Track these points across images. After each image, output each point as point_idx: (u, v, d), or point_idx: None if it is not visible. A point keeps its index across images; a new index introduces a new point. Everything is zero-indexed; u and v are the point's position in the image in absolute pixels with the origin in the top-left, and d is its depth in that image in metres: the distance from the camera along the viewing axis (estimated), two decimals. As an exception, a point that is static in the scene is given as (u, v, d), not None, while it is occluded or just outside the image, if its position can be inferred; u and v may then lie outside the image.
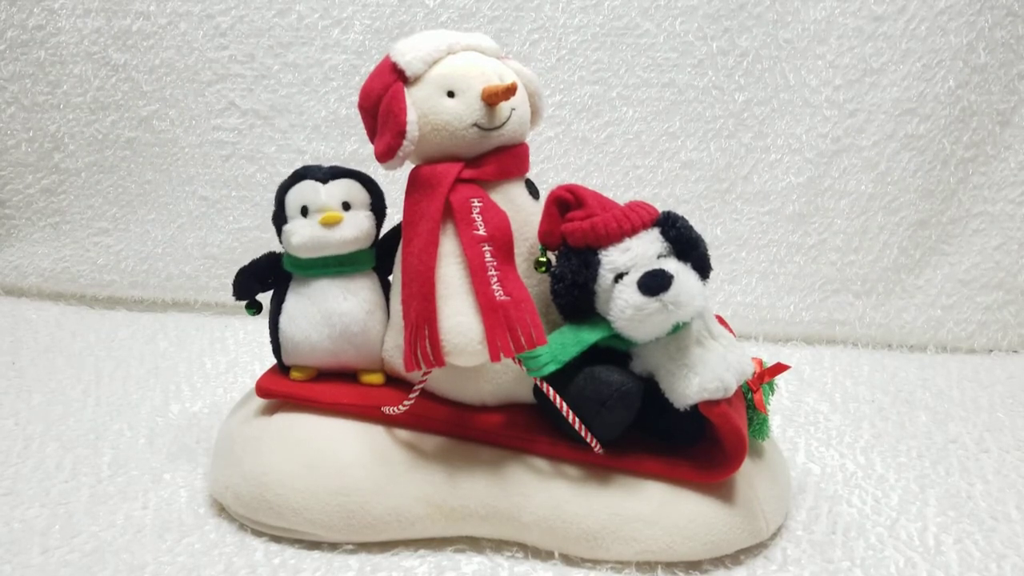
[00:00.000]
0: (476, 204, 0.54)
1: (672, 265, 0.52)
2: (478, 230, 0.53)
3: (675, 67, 1.02)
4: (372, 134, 0.59)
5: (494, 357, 0.51)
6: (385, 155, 0.56)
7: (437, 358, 0.51)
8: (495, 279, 0.52)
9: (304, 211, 0.60)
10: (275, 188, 0.63)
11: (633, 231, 0.54)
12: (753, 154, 1.04)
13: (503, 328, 0.51)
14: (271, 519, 0.58)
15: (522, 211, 0.58)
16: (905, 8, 0.98)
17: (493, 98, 0.54)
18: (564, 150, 1.05)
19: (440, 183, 0.54)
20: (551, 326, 0.56)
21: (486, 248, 0.53)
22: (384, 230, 0.65)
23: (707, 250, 0.55)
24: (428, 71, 0.56)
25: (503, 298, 0.51)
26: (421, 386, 0.56)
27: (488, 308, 0.51)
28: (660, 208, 0.57)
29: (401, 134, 0.55)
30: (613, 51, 1.03)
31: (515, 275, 0.54)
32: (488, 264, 0.52)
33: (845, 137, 1.01)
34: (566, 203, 0.55)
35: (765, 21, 1.01)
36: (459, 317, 0.52)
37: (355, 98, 0.59)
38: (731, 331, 0.60)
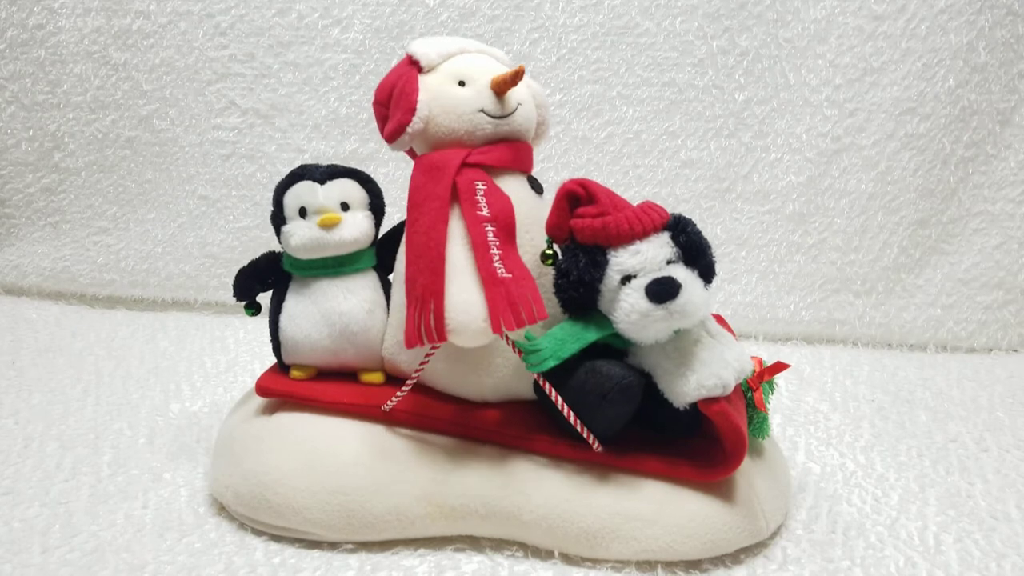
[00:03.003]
0: (481, 186, 0.55)
1: (680, 273, 0.52)
2: (482, 210, 0.54)
3: (675, 66, 1.02)
4: (383, 122, 0.60)
5: (495, 329, 0.51)
6: (395, 133, 0.57)
7: (440, 333, 0.51)
8: (497, 257, 0.53)
9: (302, 212, 0.60)
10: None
11: (644, 234, 0.53)
12: (753, 153, 1.04)
13: (504, 302, 0.51)
14: (271, 518, 0.58)
15: (524, 204, 0.58)
16: (905, 7, 0.98)
17: (502, 86, 0.57)
18: (564, 149, 1.05)
19: (447, 166, 0.56)
20: (550, 323, 0.56)
21: (489, 228, 0.53)
22: (383, 229, 0.65)
23: (713, 256, 0.55)
24: (442, 63, 0.59)
25: (505, 275, 0.52)
26: (416, 376, 0.57)
27: (490, 283, 0.52)
28: (665, 209, 0.57)
29: (411, 110, 0.56)
30: (613, 50, 1.03)
31: (517, 255, 0.54)
32: (491, 243, 0.53)
33: (845, 136, 1.01)
34: (577, 197, 0.55)
35: (765, 20, 1.01)
36: (464, 295, 0.52)
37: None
38: (731, 331, 0.60)
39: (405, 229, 0.56)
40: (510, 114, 0.58)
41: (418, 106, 0.57)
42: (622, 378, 0.53)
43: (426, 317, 0.52)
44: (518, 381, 0.58)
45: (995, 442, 0.75)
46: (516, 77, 0.56)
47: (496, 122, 0.58)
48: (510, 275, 0.52)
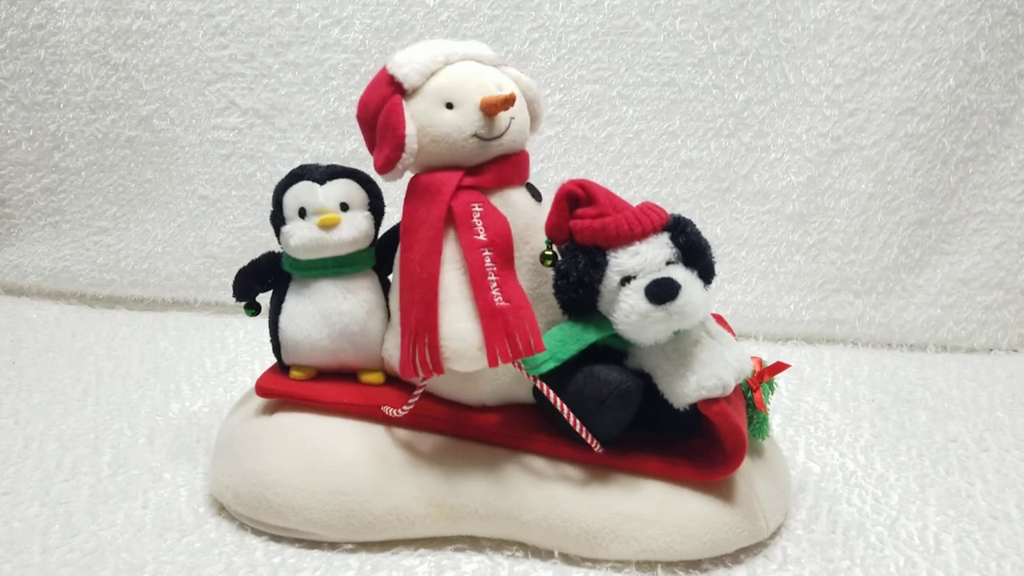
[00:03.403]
0: (477, 209, 0.54)
1: (680, 274, 0.52)
2: (479, 235, 0.53)
3: (675, 66, 1.02)
4: (371, 145, 0.58)
5: (492, 363, 0.51)
6: (385, 168, 0.56)
7: (436, 366, 0.51)
8: (495, 284, 0.52)
9: (302, 213, 0.60)
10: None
11: (644, 235, 0.53)
12: (753, 153, 1.03)
13: (502, 334, 0.51)
14: (271, 518, 0.58)
15: (524, 215, 0.58)
16: (905, 7, 0.98)
17: (492, 109, 0.54)
18: (564, 149, 1.05)
19: (441, 191, 0.54)
20: (550, 326, 0.56)
21: (486, 253, 0.53)
22: (383, 229, 0.65)
23: (713, 257, 0.55)
24: (426, 83, 0.56)
25: (502, 304, 0.51)
26: (422, 389, 0.56)
27: (487, 313, 0.51)
28: (665, 210, 0.56)
29: (400, 147, 0.55)
30: (613, 50, 1.03)
31: (515, 281, 0.54)
32: (488, 269, 0.52)
33: (845, 136, 1.01)
34: (576, 198, 0.55)
35: (765, 20, 1.01)
36: (458, 323, 0.52)
37: (355, 97, 0.59)
38: (731, 331, 0.60)
39: (399, 249, 0.56)
40: (503, 133, 0.56)
41: (406, 140, 0.54)
42: (620, 383, 0.53)
43: (421, 351, 0.52)
44: (517, 387, 0.58)
45: (995, 442, 0.75)
46: (507, 103, 0.54)
47: (490, 144, 0.56)
48: (507, 304, 0.51)
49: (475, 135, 0.55)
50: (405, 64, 0.56)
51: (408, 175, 0.59)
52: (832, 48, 1.00)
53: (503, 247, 0.53)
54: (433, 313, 0.52)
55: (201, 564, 0.55)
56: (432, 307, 0.52)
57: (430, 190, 0.55)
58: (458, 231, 0.54)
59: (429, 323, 0.51)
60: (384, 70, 0.57)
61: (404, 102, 0.55)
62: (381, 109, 0.56)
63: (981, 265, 1.02)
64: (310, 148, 1.07)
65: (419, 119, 0.55)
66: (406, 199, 0.56)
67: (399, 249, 0.56)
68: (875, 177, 1.01)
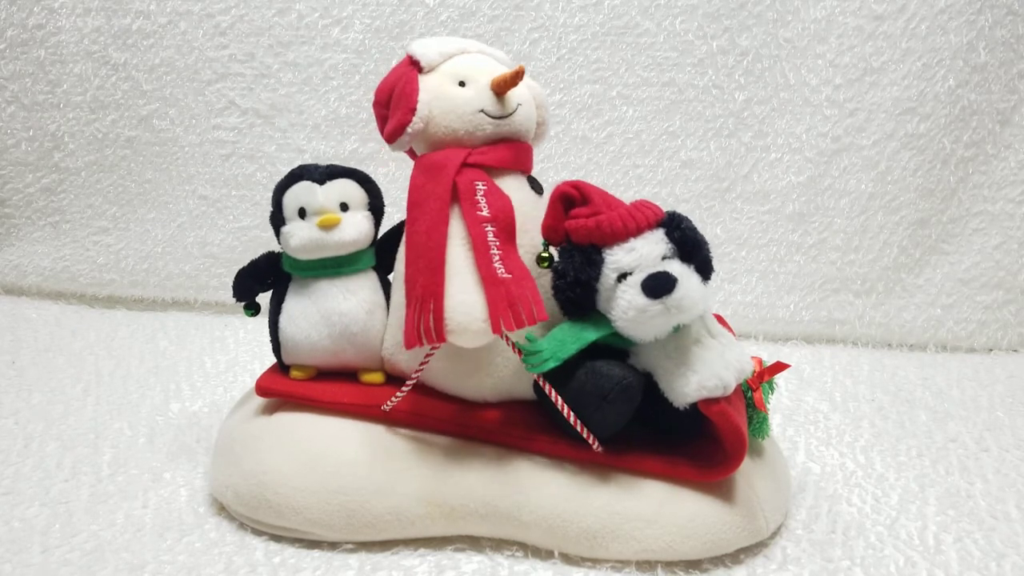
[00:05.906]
0: (481, 186, 0.55)
1: (676, 268, 0.52)
2: (482, 211, 0.54)
3: (675, 66, 1.02)
4: (383, 124, 0.60)
5: (495, 330, 0.51)
6: (395, 133, 0.58)
7: (439, 334, 0.51)
8: (497, 257, 0.53)
9: (302, 213, 0.60)
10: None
11: (638, 231, 0.53)
12: (753, 153, 1.04)
13: (504, 303, 0.51)
14: (271, 518, 0.58)
15: (524, 204, 0.58)
16: (905, 7, 0.98)
17: (502, 86, 0.57)
18: (564, 149, 1.05)
19: (447, 166, 0.56)
20: (549, 325, 0.56)
21: (489, 228, 0.53)
22: (383, 229, 0.65)
23: (710, 252, 0.55)
24: (442, 63, 0.59)
25: (505, 275, 0.52)
26: (416, 377, 0.57)
27: (490, 283, 0.52)
28: (660, 207, 0.57)
29: (412, 110, 0.57)
30: (613, 50, 1.03)
31: (517, 256, 0.54)
32: (491, 243, 0.53)
33: (845, 136, 1.01)
34: (571, 199, 0.55)
35: (765, 20, 1.01)
36: (463, 295, 0.52)
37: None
38: (731, 331, 0.60)
39: (405, 229, 0.56)
40: (510, 114, 0.58)
41: (418, 106, 0.57)
42: (622, 378, 0.53)
43: (425, 318, 0.52)
44: (518, 381, 0.58)
45: (995, 442, 0.75)
46: (516, 77, 0.56)
47: (496, 122, 0.58)
48: (510, 275, 0.52)
49: (482, 111, 0.57)
50: (424, 46, 0.60)
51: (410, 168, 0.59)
52: (832, 48, 1.00)
53: (506, 223, 0.54)
54: (439, 279, 0.52)
55: (201, 564, 0.55)
56: (438, 274, 0.52)
57: (436, 166, 0.56)
58: (462, 206, 0.55)
59: (435, 289, 0.52)
60: (406, 56, 0.60)
61: (419, 76, 0.58)
62: (396, 85, 0.58)
63: (981, 265, 1.02)
64: (310, 148, 1.07)
65: (432, 91, 0.58)
66: (412, 177, 0.57)
67: (405, 229, 0.56)
68: (875, 177, 1.01)
